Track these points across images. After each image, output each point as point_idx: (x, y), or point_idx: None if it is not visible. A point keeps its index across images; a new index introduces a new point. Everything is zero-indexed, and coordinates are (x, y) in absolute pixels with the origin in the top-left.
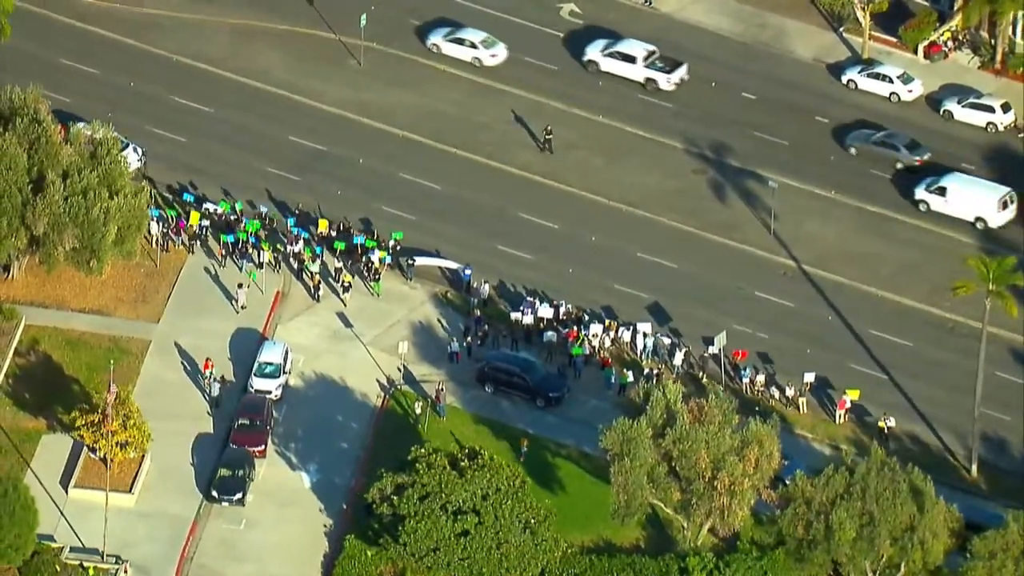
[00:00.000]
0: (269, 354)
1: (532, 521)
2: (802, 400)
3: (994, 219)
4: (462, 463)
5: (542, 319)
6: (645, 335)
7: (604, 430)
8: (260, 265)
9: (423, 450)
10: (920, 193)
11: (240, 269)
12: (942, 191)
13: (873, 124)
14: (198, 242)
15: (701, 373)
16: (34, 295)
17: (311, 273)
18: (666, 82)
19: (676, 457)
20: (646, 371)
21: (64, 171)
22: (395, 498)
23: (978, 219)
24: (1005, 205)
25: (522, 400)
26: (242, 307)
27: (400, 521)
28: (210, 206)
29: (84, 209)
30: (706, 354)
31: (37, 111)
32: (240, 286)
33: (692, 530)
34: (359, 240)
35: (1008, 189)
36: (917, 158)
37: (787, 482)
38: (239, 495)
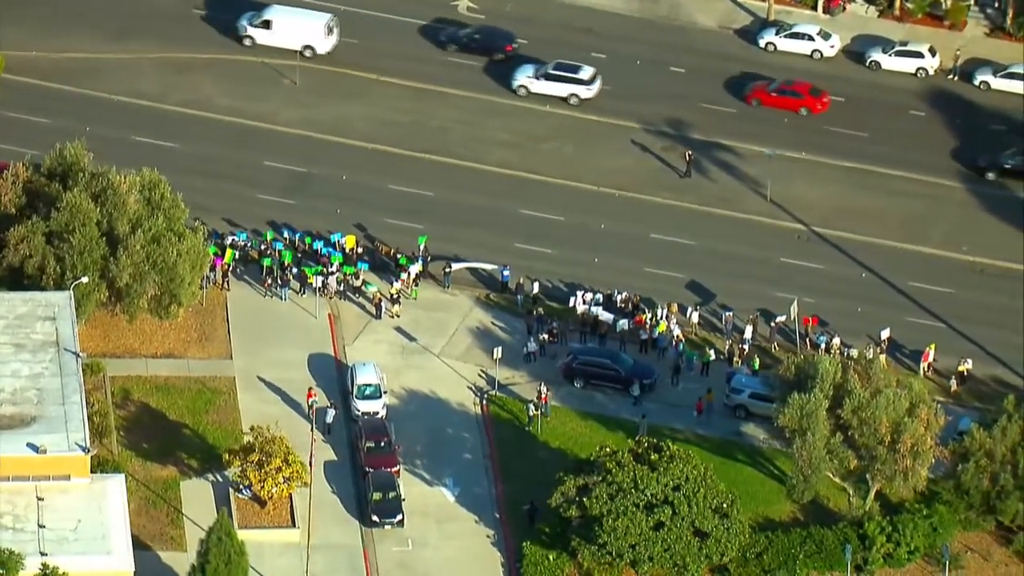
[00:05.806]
0: (365, 375)
1: (724, 506)
2: (882, 357)
3: (322, 45)
4: (651, 457)
5: (604, 308)
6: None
7: (780, 409)
8: (301, 291)
9: (607, 449)
10: (245, 28)
11: (282, 299)
12: (267, 24)
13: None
14: (231, 277)
15: (772, 345)
16: (102, 347)
17: (372, 294)
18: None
19: (856, 426)
20: (725, 348)
21: (131, 220)
22: (584, 499)
23: (306, 47)
24: (330, 31)
25: (614, 391)
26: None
27: (592, 522)
28: (236, 239)
29: (161, 256)
30: (773, 324)
31: (86, 164)
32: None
33: (856, 499)
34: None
35: (331, 15)
36: None
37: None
38: (399, 516)
